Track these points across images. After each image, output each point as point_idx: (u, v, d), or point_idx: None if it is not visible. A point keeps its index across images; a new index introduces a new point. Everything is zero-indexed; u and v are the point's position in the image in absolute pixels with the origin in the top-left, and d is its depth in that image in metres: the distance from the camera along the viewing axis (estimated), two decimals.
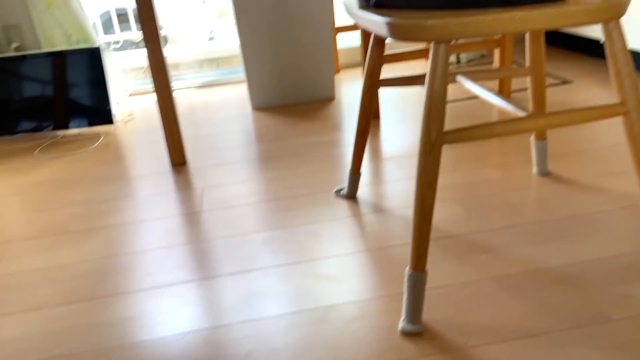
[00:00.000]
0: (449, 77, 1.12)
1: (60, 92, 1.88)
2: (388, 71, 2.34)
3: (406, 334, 0.80)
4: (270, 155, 1.55)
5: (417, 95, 1.98)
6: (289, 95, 2.01)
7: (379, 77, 1.09)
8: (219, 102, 2.16)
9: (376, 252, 1.02)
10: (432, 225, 0.84)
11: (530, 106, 1.18)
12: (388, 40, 2.40)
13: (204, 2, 3.22)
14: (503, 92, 1.84)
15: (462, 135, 0.76)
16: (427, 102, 0.74)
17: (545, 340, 0.76)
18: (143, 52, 2.57)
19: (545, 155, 1.25)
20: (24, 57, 1.87)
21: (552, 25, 0.72)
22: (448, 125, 1.58)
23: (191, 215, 1.25)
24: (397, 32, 0.73)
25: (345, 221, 1.15)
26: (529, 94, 1.17)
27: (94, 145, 1.78)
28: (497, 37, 1.75)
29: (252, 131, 1.78)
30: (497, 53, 1.79)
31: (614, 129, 1.49)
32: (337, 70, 2.43)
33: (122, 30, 2.60)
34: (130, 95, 2.37)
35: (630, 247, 0.96)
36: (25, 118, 1.89)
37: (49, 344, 0.87)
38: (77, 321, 0.92)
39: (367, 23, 0.84)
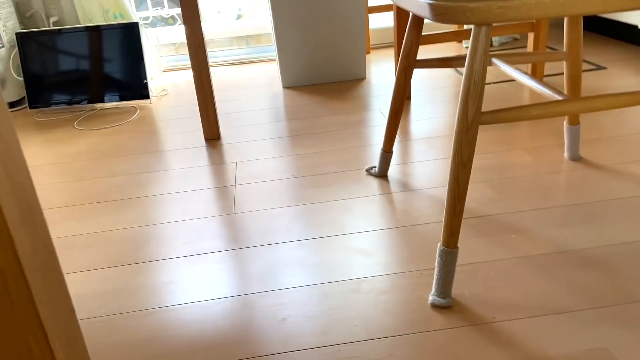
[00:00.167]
0: (487, 59, 1.12)
1: (97, 67, 1.94)
2: (419, 53, 2.34)
3: (436, 307, 0.84)
4: (301, 133, 1.58)
5: (447, 77, 1.98)
6: (320, 74, 2.04)
7: (415, 58, 1.10)
8: (249, 79, 2.19)
9: (406, 229, 1.05)
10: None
11: (564, 91, 1.18)
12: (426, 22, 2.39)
13: None
14: (536, 76, 1.83)
15: (499, 116, 0.78)
16: (466, 82, 0.76)
17: (571, 318, 0.79)
18: (174, 29, 2.60)
19: (578, 140, 1.25)
20: (62, 31, 1.93)
21: (593, 10, 0.72)
22: None
23: (225, 188, 1.30)
24: (439, 14, 0.75)
25: (376, 198, 1.18)
26: (564, 78, 1.17)
27: (130, 119, 1.84)
28: (533, 20, 1.74)
29: (283, 109, 1.81)
30: (531, 37, 1.77)
31: None
32: (368, 51, 2.43)
33: (153, 6, 2.64)
34: (163, 71, 2.42)
35: None
36: (63, 91, 1.95)
37: (96, 304, 0.93)
38: (120, 283, 0.97)
39: (407, 4, 0.85)
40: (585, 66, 1.95)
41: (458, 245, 0.83)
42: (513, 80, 1.87)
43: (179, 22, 2.67)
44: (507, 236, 1.00)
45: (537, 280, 0.88)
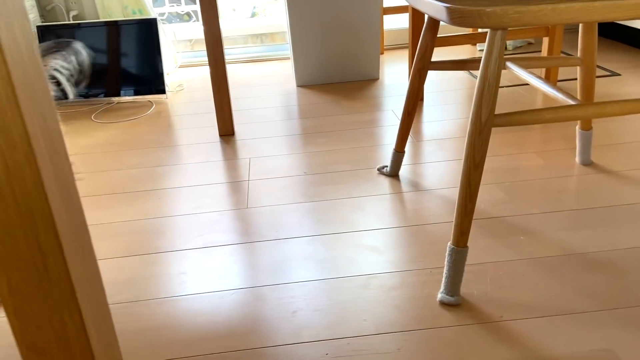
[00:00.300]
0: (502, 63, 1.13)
1: (115, 61, 1.97)
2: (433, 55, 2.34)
3: (444, 304, 0.85)
4: (314, 131, 1.60)
5: (460, 80, 1.99)
6: (334, 73, 2.05)
7: (430, 60, 1.12)
8: (263, 77, 2.21)
9: (416, 228, 1.07)
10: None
11: (578, 96, 1.19)
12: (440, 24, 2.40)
13: None
14: (550, 81, 1.83)
15: (512, 118, 0.80)
16: (480, 85, 0.77)
17: (578, 319, 0.80)
18: (190, 25, 2.63)
19: (589, 145, 1.26)
20: (81, 25, 1.96)
21: (609, 17, 0.74)
22: None
23: (239, 183, 1.32)
24: (456, 17, 0.77)
25: (387, 197, 1.20)
26: (577, 84, 1.18)
27: (146, 113, 1.87)
28: (548, 25, 1.74)
29: (296, 107, 1.83)
30: (545, 41, 1.78)
31: None
32: (382, 51, 2.45)
33: (170, 2, 2.67)
34: (179, 67, 2.45)
35: None
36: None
37: (112, 291, 0.95)
38: (135, 272, 1.00)
39: (424, 7, 0.87)
40: (599, 72, 1.95)
41: (468, 245, 0.84)
42: (527, 84, 1.88)
43: (194, 18, 2.70)
44: (517, 238, 1.01)
45: (544, 281, 0.89)
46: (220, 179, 1.35)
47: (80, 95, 1.99)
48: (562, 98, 0.94)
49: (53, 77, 0.79)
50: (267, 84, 2.12)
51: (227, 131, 1.62)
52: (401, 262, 0.97)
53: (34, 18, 2.08)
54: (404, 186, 1.24)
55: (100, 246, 1.09)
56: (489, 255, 0.97)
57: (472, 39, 1.69)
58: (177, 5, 2.72)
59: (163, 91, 1.96)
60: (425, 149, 1.44)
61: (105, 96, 1.98)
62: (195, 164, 1.44)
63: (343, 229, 1.09)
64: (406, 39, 2.56)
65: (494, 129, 1.51)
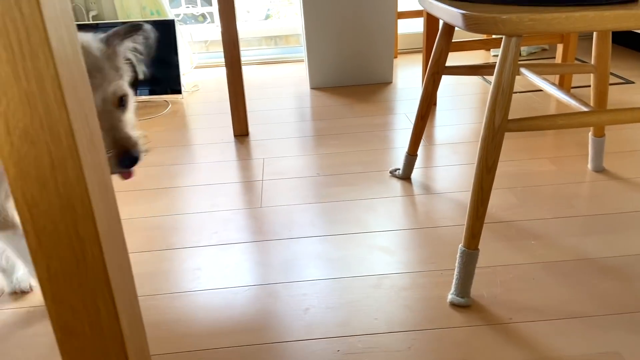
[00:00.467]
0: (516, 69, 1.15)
1: None
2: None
3: (455, 305, 0.87)
4: (327, 133, 1.62)
5: (473, 85, 2.00)
6: (347, 76, 2.07)
7: (444, 65, 1.13)
8: (277, 79, 2.24)
9: (428, 230, 1.09)
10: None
11: (591, 103, 1.20)
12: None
13: None
14: (563, 87, 1.84)
15: (525, 124, 0.81)
16: (494, 90, 0.79)
17: (587, 322, 0.81)
18: (205, 27, 2.67)
19: (602, 152, 1.27)
20: (100, 25, 2.00)
21: (623, 26, 0.75)
22: None
23: (253, 183, 1.34)
24: (472, 24, 0.78)
25: (399, 199, 1.21)
26: (591, 91, 1.19)
27: (163, 113, 1.90)
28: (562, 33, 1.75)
29: (310, 109, 1.85)
30: (559, 48, 1.79)
31: None
32: (396, 55, 2.46)
33: (186, 4, 2.70)
34: (194, 67, 2.48)
35: None
36: None
37: None
38: (152, 267, 1.02)
39: (440, 13, 0.89)
40: (613, 80, 1.96)
41: (479, 247, 0.85)
42: (540, 90, 1.89)
43: (209, 19, 2.73)
44: (527, 242, 1.03)
45: (554, 285, 0.90)
46: (234, 179, 1.37)
47: None
48: (574, 104, 0.95)
49: (128, 59, 0.83)
50: (281, 85, 2.15)
51: (241, 131, 1.65)
52: (412, 263, 0.99)
53: None
54: (416, 189, 1.26)
55: None
56: (500, 258, 0.98)
57: (486, 45, 1.71)
58: (193, 6, 2.76)
59: (179, 91, 1.99)
60: (438, 152, 1.45)
61: None
62: (210, 163, 1.47)
63: (355, 229, 1.11)
64: (420, 43, 2.57)
65: (508, 135, 1.52)
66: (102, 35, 0.80)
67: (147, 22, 1.94)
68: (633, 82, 1.91)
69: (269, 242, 1.08)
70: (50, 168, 0.34)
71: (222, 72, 2.40)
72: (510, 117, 0.80)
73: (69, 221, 0.36)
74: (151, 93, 2.01)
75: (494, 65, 0.81)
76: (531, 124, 0.81)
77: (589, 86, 1.91)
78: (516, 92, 1.87)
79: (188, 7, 2.71)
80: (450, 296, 0.88)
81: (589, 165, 1.30)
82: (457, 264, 0.87)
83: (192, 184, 1.35)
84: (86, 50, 0.75)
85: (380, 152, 1.47)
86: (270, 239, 1.09)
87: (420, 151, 1.46)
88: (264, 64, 2.49)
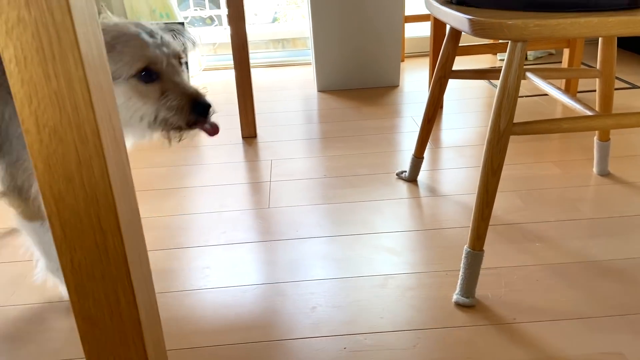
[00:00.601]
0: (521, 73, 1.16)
1: None
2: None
3: (459, 305, 0.88)
4: (334, 135, 1.64)
5: (479, 88, 2.01)
6: (355, 79, 2.09)
7: (451, 69, 1.15)
8: (285, 82, 2.26)
9: (434, 232, 1.10)
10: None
11: (596, 107, 1.21)
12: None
13: None
14: (569, 92, 1.85)
15: (530, 127, 0.82)
16: (499, 94, 0.80)
17: (589, 324, 0.82)
18: (212, 29, 2.70)
19: (607, 156, 1.28)
20: None
21: (627, 32, 0.76)
22: None
23: (261, 184, 1.36)
24: (478, 29, 0.80)
25: (406, 201, 1.23)
26: (596, 95, 1.20)
27: None
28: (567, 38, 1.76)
29: (317, 111, 1.87)
30: (566, 53, 1.80)
31: None
32: (403, 59, 2.48)
33: (194, 6, 2.73)
34: (203, 70, 2.51)
35: None
36: None
37: None
38: (162, 266, 1.04)
39: (447, 18, 0.90)
40: (619, 84, 1.96)
41: (484, 249, 0.87)
42: (547, 94, 1.90)
43: (216, 22, 2.76)
44: (532, 244, 1.04)
45: (558, 286, 0.91)
46: (242, 180, 1.39)
47: None
48: (579, 109, 0.96)
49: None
50: (288, 88, 2.17)
51: (249, 133, 1.67)
52: (418, 263, 1.00)
53: None
54: (422, 191, 1.28)
55: None
56: (505, 260, 0.99)
57: (492, 49, 1.72)
58: (201, 9, 2.79)
59: None
60: (444, 155, 1.47)
61: None
62: (219, 165, 1.49)
63: (361, 230, 1.12)
64: (427, 47, 2.59)
65: (513, 138, 1.53)
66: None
67: (156, 24, 1.96)
68: (639, 87, 1.91)
69: (276, 242, 1.10)
70: (77, 164, 0.36)
71: (230, 75, 2.42)
72: (516, 120, 0.81)
73: (93, 215, 0.38)
74: None
75: (500, 70, 0.82)
76: (536, 127, 0.83)
77: (595, 91, 1.92)
78: (523, 96, 1.89)
79: (196, 9, 2.74)
80: (455, 296, 0.89)
81: (594, 169, 1.31)
82: (462, 265, 0.88)
83: (201, 185, 1.38)
84: (142, 25, 0.81)
85: (387, 155, 1.49)
86: (278, 239, 1.11)
87: (426, 154, 1.48)
88: (271, 67, 2.52)
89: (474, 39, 2.61)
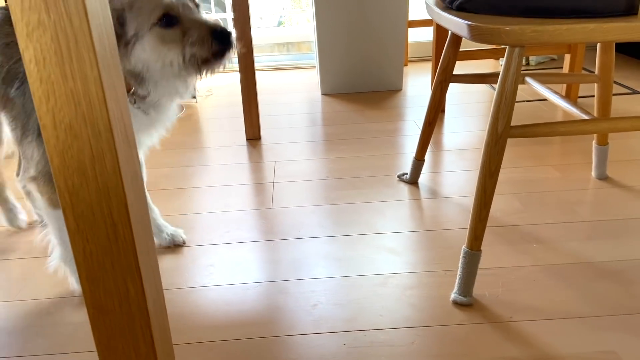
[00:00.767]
0: (519, 78, 1.18)
1: None
2: (455, 68, 2.39)
3: (457, 304, 0.90)
4: (337, 138, 1.66)
5: (481, 93, 2.03)
6: (358, 83, 2.12)
7: (452, 73, 1.17)
8: (289, 85, 2.29)
9: (433, 233, 1.12)
10: (489, 212, 0.92)
11: (594, 112, 1.23)
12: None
13: None
14: (570, 97, 1.87)
15: (527, 130, 0.84)
16: (497, 97, 0.82)
17: (584, 322, 0.84)
18: None
19: (605, 160, 1.29)
20: None
21: (623, 37, 0.78)
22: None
23: (264, 185, 1.39)
24: (477, 34, 0.82)
25: (406, 203, 1.25)
26: (595, 100, 1.22)
27: (178, 116, 1.95)
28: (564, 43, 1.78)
29: (320, 114, 1.90)
30: (567, 58, 1.81)
31: None
32: (406, 63, 2.50)
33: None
34: None
35: None
36: None
37: None
38: (168, 263, 1.07)
39: (448, 23, 0.93)
40: (619, 90, 1.98)
41: (482, 250, 0.89)
42: (547, 99, 1.91)
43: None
44: (530, 245, 1.06)
45: (555, 286, 0.93)
46: (246, 180, 1.42)
47: None
48: (577, 113, 0.98)
49: None
50: (292, 91, 2.19)
51: (254, 135, 1.70)
52: (418, 263, 1.02)
53: None
54: (423, 193, 1.29)
55: None
56: (503, 260, 1.01)
57: (495, 54, 1.74)
58: (207, 12, 2.82)
59: (193, 96, 2.04)
60: (445, 158, 1.49)
61: None
62: (223, 166, 1.51)
63: (363, 230, 1.14)
64: (429, 51, 2.61)
65: (515, 143, 1.55)
66: None
67: None
68: (639, 93, 1.93)
69: (279, 241, 1.12)
70: (90, 159, 0.39)
71: (235, 78, 2.45)
72: (518, 124, 0.83)
73: (105, 207, 0.40)
74: None
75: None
76: (532, 130, 0.85)
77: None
78: (525, 101, 1.90)
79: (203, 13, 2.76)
80: (453, 295, 0.91)
81: (593, 173, 1.33)
82: (460, 264, 0.90)
83: (205, 185, 1.40)
84: None
85: (389, 157, 1.51)
86: (281, 238, 1.13)
87: (428, 157, 1.50)
88: (276, 70, 2.55)
89: (477, 44, 2.63)
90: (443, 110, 1.84)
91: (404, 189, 1.32)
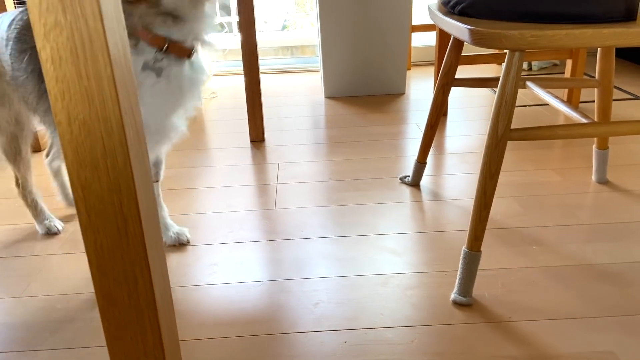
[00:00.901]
0: (520, 82, 1.20)
1: None
2: (458, 72, 2.41)
3: (457, 304, 0.91)
4: (340, 140, 1.68)
5: (484, 97, 2.05)
6: (362, 86, 2.13)
7: (453, 77, 1.19)
8: (293, 88, 2.31)
9: (434, 234, 1.13)
10: (490, 214, 0.93)
11: (594, 117, 1.24)
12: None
13: None
14: (571, 102, 1.88)
15: (527, 134, 0.86)
16: (498, 100, 0.84)
17: (582, 323, 0.85)
18: (223, 36, 2.75)
19: (605, 164, 1.31)
20: None
21: (621, 43, 0.80)
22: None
23: (267, 186, 1.40)
24: (478, 39, 0.84)
25: (408, 205, 1.26)
26: (595, 105, 1.23)
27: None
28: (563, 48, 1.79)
29: (324, 117, 1.91)
30: (569, 63, 1.83)
31: None
32: (409, 67, 2.52)
33: None
34: (213, 75, 2.56)
35: None
36: None
37: None
38: (172, 261, 1.08)
39: (450, 28, 0.94)
40: (620, 95, 1.99)
41: (482, 251, 0.90)
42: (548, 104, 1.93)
43: (227, 29, 2.81)
44: (530, 247, 1.07)
45: (553, 288, 0.94)
46: (250, 181, 1.43)
47: None
48: (576, 117, 0.99)
49: None
50: (296, 94, 2.21)
51: (257, 137, 1.71)
52: (418, 264, 1.03)
53: None
54: (424, 195, 1.31)
55: None
56: (502, 262, 1.02)
57: (497, 59, 1.76)
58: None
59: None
60: (447, 161, 1.50)
61: None
62: (227, 167, 1.53)
63: (364, 231, 1.16)
64: (432, 56, 2.63)
65: (516, 146, 1.57)
66: None
67: None
68: (639, 98, 1.94)
69: (281, 241, 1.14)
70: (103, 155, 0.40)
71: (239, 80, 2.47)
72: (517, 128, 0.85)
73: (116, 201, 0.42)
74: None
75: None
76: (532, 133, 0.86)
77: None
78: (526, 106, 1.92)
79: None
80: (453, 295, 0.93)
81: (593, 177, 1.34)
82: (460, 265, 0.92)
83: (209, 186, 1.42)
84: None
85: (391, 160, 1.52)
86: (283, 238, 1.15)
87: (430, 160, 1.51)
88: (280, 73, 2.57)
89: (479, 49, 2.64)
90: (445, 114, 1.85)
91: (406, 191, 1.33)
